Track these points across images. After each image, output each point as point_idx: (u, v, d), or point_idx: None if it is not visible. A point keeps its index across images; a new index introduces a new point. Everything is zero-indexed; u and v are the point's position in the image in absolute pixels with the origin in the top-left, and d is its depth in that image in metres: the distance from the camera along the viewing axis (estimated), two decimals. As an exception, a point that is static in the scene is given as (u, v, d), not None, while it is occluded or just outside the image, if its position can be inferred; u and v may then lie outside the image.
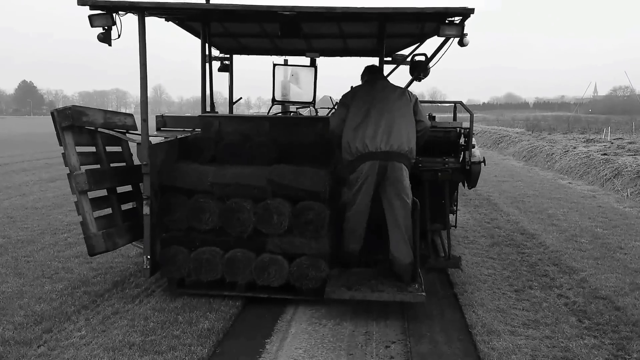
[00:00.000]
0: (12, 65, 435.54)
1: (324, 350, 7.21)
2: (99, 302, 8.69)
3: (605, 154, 26.88)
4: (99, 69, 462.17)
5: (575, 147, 31.23)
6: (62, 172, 24.64)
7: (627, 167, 22.21)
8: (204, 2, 9.73)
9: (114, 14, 8.21)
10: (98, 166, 9.40)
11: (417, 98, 9.33)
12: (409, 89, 10.17)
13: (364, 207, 8.87)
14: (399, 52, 12.24)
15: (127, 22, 8.51)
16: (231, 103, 13.66)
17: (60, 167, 26.22)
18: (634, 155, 26.31)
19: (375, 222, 9.03)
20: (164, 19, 10.11)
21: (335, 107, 9.54)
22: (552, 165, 29.13)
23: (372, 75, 9.70)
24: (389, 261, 8.91)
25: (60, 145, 8.77)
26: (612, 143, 33.59)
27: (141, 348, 7.04)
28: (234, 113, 13.69)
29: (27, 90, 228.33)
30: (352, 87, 9.58)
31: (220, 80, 12.42)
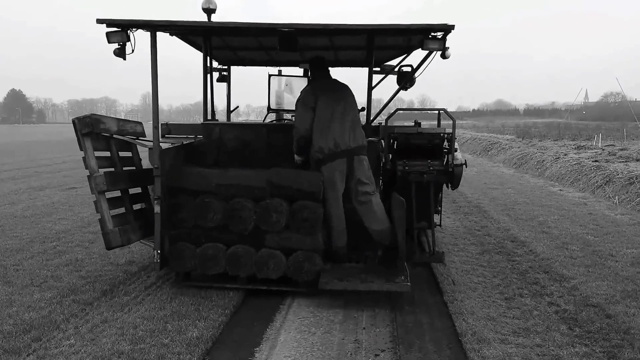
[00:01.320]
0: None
1: (313, 359, 7.21)
2: (88, 310, 8.69)
3: (596, 161, 26.96)
4: (87, 78, 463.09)
5: (566, 154, 31.29)
6: (51, 181, 24.68)
7: (618, 174, 22.27)
8: (206, 19, 10.66)
9: (128, 31, 8.87)
10: (113, 169, 9.94)
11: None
12: (398, 95, 11.56)
13: (340, 203, 10.00)
14: (387, 63, 12.51)
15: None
16: (229, 111, 14.21)
17: (49, 176, 26.28)
18: (625, 162, 26.41)
19: (359, 222, 9.92)
20: (168, 34, 10.57)
21: (298, 112, 10.20)
22: (542, 173, 29.17)
23: (321, 72, 10.58)
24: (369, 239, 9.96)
25: (81, 150, 9.41)
26: (603, 150, 33.71)
27: (130, 357, 7.04)
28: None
29: (16, 98, 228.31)
30: (307, 87, 10.42)
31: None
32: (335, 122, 9.86)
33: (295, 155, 10.39)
